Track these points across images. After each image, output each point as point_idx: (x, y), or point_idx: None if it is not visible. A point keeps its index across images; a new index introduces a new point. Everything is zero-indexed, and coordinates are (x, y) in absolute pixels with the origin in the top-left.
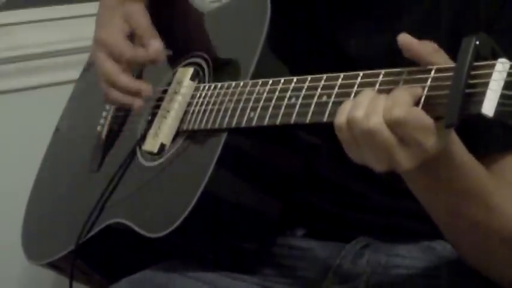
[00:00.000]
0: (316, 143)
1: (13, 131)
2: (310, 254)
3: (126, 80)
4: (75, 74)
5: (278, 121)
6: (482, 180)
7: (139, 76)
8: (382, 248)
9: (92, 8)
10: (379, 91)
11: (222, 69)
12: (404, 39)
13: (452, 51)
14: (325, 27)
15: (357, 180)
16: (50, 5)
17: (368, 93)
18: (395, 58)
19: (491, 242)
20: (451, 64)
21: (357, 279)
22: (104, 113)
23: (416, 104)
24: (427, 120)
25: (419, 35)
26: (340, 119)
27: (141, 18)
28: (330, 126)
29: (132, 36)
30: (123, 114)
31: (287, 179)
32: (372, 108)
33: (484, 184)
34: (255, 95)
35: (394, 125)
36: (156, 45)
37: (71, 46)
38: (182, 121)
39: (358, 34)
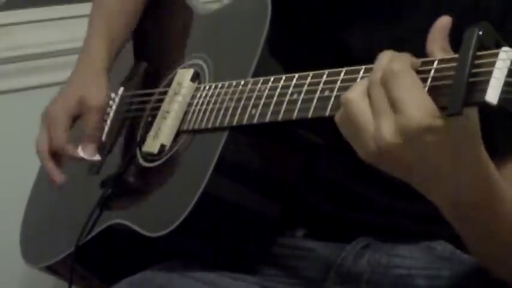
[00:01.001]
0: (317, 143)
1: (13, 131)
2: (311, 254)
3: (47, 164)
4: None
5: (280, 117)
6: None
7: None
8: (383, 248)
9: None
10: None
11: (222, 70)
12: (446, 22)
13: (453, 50)
14: (326, 26)
15: (358, 181)
16: (50, 5)
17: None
18: None
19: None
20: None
21: (357, 279)
22: (104, 116)
23: None
24: (418, 81)
25: (422, 34)
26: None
27: (92, 116)
28: (330, 127)
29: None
30: (122, 116)
31: (287, 179)
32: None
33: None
34: (256, 92)
35: (386, 79)
36: (86, 153)
37: (71, 46)
38: (182, 121)
39: (359, 32)
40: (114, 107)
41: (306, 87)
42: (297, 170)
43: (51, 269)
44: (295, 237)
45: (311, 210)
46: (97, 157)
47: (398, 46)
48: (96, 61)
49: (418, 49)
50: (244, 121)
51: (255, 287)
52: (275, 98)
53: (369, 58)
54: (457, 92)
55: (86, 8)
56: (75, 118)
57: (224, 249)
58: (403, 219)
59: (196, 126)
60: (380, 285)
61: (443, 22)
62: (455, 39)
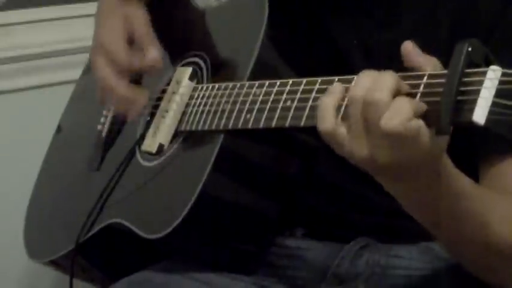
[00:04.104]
0: (314, 144)
1: (13, 131)
2: (309, 254)
3: (122, 88)
4: (75, 74)
5: (273, 124)
6: (474, 197)
7: (139, 76)
8: (381, 248)
9: (92, 8)
10: None
11: (220, 69)
12: (407, 47)
13: (452, 52)
14: (325, 27)
15: (356, 181)
16: (50, 5)
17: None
18: (395, 58)
19: (491, 258)
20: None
21: (355, 279)
22: (105, 112)
23: None
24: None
25: (420, 35)
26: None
27: (141, 23)
28: None
29: (132, 39)
30: (123, 114)
31: (284, 180)
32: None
33: (476, 200)
34: (251, 96)
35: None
36: (153, 54)
37: (71, 46)
38: (180, 121)
39: (358, 34)
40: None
41: (299, 94)
42: (294, 170)
43: (54, 263)
44: (294, 237)
45: (310, 211)
46: (160, 60)
47: (395, 47)
48: None
49: None
50: (239, 125)
51: (253, 287)
52: (269, 103)
53: (365, 59)
54: (445, 111)
55: (86, 8)
56: (128, 40)
57: (222, 250)
58: (402, 219)
59: (193, 128)
60: (378, 285)
61: (408, 45)
62: (454, 42)
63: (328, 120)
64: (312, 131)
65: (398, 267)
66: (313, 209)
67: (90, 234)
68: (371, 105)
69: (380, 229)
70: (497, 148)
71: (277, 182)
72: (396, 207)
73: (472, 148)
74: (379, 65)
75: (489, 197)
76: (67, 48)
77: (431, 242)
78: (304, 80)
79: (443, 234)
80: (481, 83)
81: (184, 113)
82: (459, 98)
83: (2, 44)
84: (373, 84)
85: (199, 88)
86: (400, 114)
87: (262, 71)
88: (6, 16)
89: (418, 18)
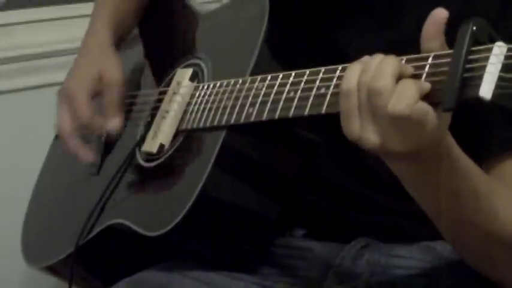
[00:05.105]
0: (315, 142)
1: (13, 131)
2: (310, 254)
3: (71, 144)
4: None
5: (277, 115)
6: (478, 179)
7: (139, 74)
8: (382, 248)
9: (92, 8)
10: None
11: (220, 70)
12: (442, 14)
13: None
14: (325, 27)
15: (357, 181)
16: (50, 5)
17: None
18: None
19: (491, 244)
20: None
21: (356, 279)
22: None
23: None
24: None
25: (419, 34)
26: (350, 83)
27: (113, 83)
28: (329, 126)
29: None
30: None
31: (285, 178)
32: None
33: (480, 184)
34: (253, 91)
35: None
36: (114, 123)
37: (71, 46)
38: (181, 121)
39: (359, 34)
40: None
41: (302, 84)
42: (295, 169)
43: (52, 269)
44: (295, 237)
45: (310, 210)
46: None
47: (396, 47)
48: (105, 40)
49: (416, 51)
50: (242, 120)
51: (254, 286)
52: (272, 96)
53: None
54: (451, 88)
55: (85, 8)
56: (94, 95)
57: (222, 249)
58: (403, 219)
59: (195, 126)
60: (379, 285)
61: (439, 15)
62: (453, 41)
63: (352, 81)
64: (314, 124)
65: (399, 266)
66: (314, 209)
67: (90, 236)
68: (375, 92)
69: (381, 229)
70: (499, 149)
71: (278, 181)
72: (397, 206)
73: (472, 148)
74: None
75: (493, 182)
76: (67, 48)
77: (432, 241)
78: (308, 71)
79: (445, 219)
80: (486, 59)
81: (185, 112)
82: (465, 75)
83: (2, 44)
84: (375, 70)
85: (201, 87)
86: (406, 98)
87: (262, 71)
88: (6, 16)
89: (419, 18)
